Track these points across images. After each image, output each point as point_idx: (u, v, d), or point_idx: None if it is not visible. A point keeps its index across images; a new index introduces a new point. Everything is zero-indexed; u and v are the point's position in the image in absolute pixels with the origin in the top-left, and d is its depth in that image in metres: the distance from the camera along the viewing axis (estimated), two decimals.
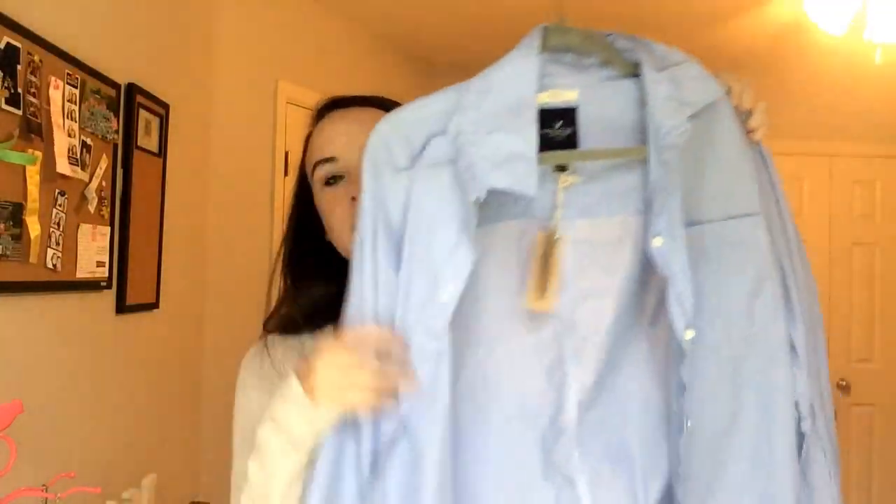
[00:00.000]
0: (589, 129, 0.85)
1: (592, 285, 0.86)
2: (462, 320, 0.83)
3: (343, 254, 1.00)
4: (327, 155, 0.99)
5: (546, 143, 0.83)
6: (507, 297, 0.86)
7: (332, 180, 0.99)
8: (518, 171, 0.80)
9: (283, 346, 1.04)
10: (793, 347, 0.82)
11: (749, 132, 0.88)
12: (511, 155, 0.80)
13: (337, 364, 0.81)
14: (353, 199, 0.94)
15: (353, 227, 0.96)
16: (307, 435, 0.84)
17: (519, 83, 0.83)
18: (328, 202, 0.99)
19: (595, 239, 0.86)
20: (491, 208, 0.84)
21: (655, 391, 0.87)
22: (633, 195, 0.85)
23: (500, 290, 0.86)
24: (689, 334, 0.80)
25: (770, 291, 0.82)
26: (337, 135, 0.99)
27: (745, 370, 0.82)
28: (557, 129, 0.85)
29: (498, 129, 0.81)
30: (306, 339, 1.04)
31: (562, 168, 0.85)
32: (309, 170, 1.02)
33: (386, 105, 1.03)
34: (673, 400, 0.85)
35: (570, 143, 0.85)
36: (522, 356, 0.86)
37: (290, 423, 0.85)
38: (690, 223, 0.82)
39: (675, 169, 0.80)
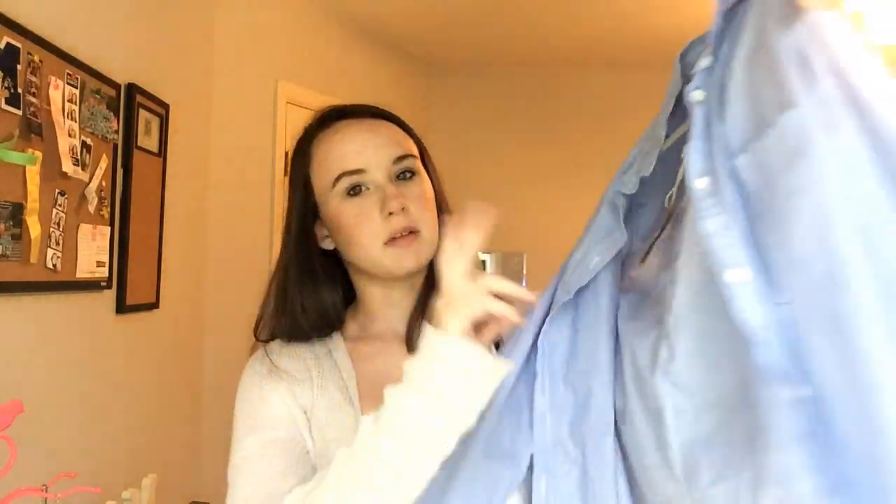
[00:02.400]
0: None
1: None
2: None
3: (364, 266, 0.97)
4: (356, 167, 0.95)
5: None
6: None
7: (353, 191, 0.95)
8: None
9: (287, 356, 0.97)
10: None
11: None
12: None
13: (460, 272, 0.81)
14: (391, 214, 0.92)
15: (384, 242, 0.92)
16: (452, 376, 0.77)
17: None
18: (353, 215, 0.94)
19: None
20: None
21: None
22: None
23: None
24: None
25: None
26: (364, 147, 0.95)
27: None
28: None
29: None
30: (316, 344, 0.99)
31: None
32: (325, 180, 0.97)
33: (389, 116, 1.01)
34: None
35: None
36: None
37: (429, 373, 0.78)
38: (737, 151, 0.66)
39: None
